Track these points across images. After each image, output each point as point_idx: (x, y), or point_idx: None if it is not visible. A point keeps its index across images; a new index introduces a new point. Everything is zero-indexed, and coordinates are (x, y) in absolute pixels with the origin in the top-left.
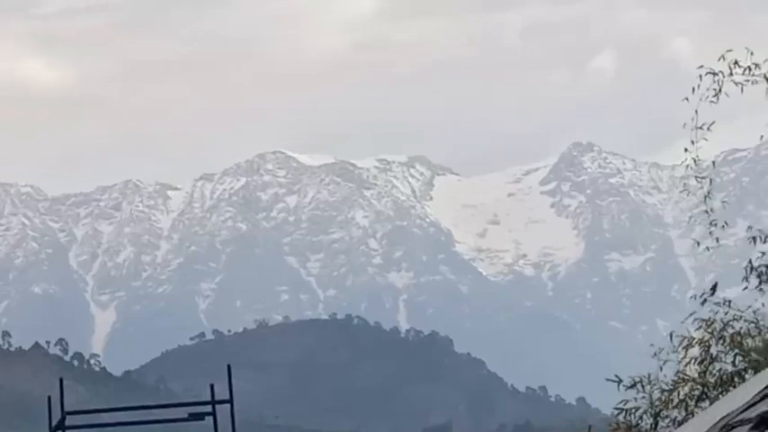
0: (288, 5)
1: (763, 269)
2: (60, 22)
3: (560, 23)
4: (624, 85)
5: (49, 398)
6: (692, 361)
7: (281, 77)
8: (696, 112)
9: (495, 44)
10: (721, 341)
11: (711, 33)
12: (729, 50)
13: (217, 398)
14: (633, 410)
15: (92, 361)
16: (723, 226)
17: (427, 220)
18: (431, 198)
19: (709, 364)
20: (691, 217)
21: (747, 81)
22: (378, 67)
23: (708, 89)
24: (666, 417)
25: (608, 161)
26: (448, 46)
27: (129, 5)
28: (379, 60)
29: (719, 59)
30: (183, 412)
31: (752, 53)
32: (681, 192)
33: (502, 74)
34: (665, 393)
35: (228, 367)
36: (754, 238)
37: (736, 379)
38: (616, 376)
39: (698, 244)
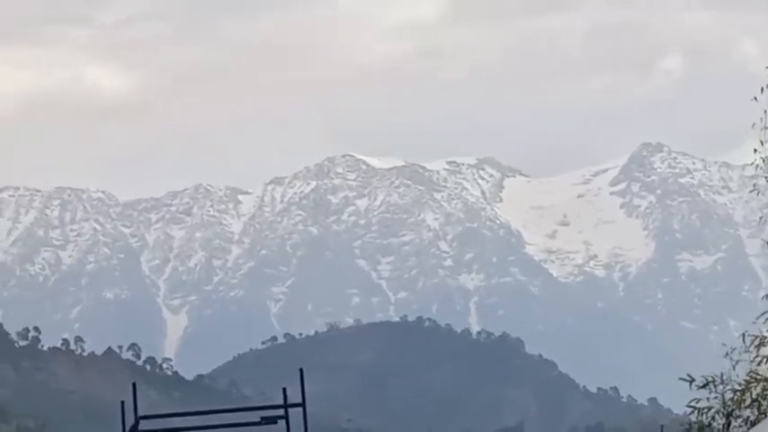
0: (347, 9)
1: None
2: (123, 29)
3: (621, 25)
4: (691, 86)
5: (123, 402)
6: (765, 360)
7: (347, 82)
8: (765, 111)
9: (559, 46)
10: None
11: None
12: None
13: (289, 401)
14: (705, 410)
15: (164, 365)
16: None
17: (497, 221)
18: (500, 200)
19: None
20: (761, 217)
21: None
22: (441, 70)
23: None
24: (739, 416)
25: (678, 161)
26: (512, 49)
27: (184, 13)
28: (441, 64)
29: None
30: (255, 416)
31: None
32: (750, 192)
33: (567, 76)
34: (738, 393)
35: (301, 371)
36: None
37: None
38: (688, 376)
39: None
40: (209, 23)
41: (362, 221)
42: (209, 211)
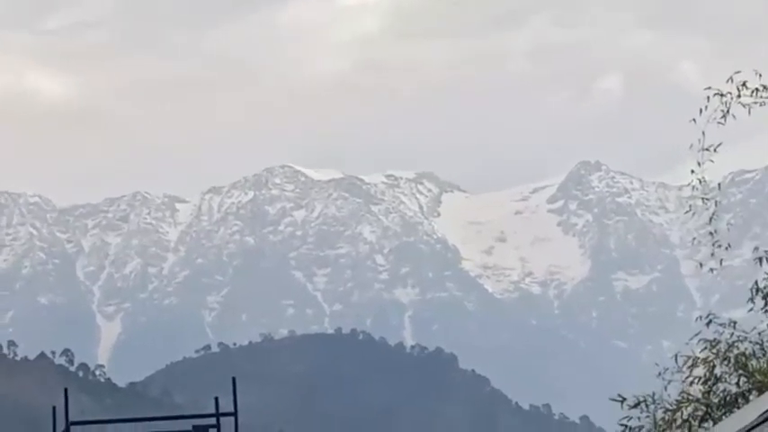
0: (292, 23)
1: None
2: (66, 36)
3: (565, 45)
4: (631, 107)
5: (54, 408)
6: (697, 381)
7: (289, 94)
8: (703, 133)
9: (502, 64)
10: (726, 362)
11: (716, 57)
12: (738, 72)
13: (221, 411)
14: (636, 429)
15: (97, 372)
16: (727, 247)
17: (434, 236)
18: (438, 215)
19: (714, 384)
20: (694, 238)
21: (756, 103)
22: (385, 85)
23: (715, 111)
24: None
25: (615, 180)
26: (452, 65)
27: (134, 22)
28: (387, 79)
29: (728, 81)
30: (187, 424)
31: (760, 75)
32: (687, 213)
33: (508, 93)
34: (669, 413)
35: (233, 380)
36: (760, 260)
37: (740, 400)
38: (620, 395)
39: (701, 266)
40: (152, 34)
41: (299, 233)
42: (146, 218)
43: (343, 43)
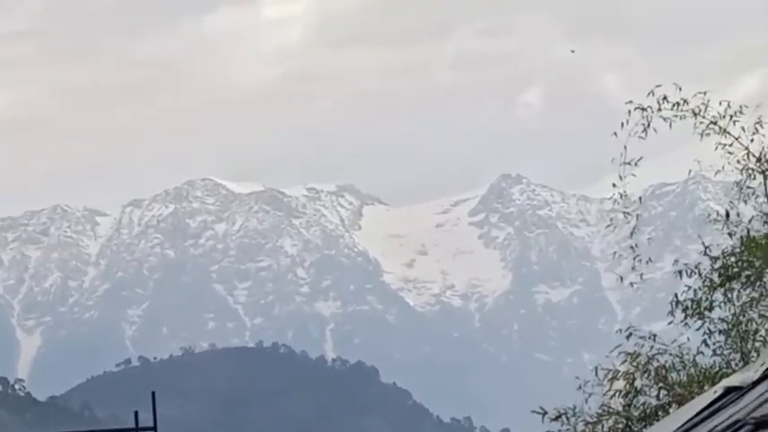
0: (216, 33)
1: (689, 303)
2: None
3: (487, 56)
4: (553, 119)
5: None
6: (617, 394)
7: (209, 104)
8: (625, 147)
9: (424, 75)
10: (646, 375)
11: (640, 70)
12: (658, 86)
13: (141, 425)
14: None
15: (17, 386)
16: (648, 261)
17: (355, 249)
18: (359, 228)
19: (634, 397)
20: (615, 252)
21: (676, 116)
22: (306, 96)
23: (637, 124)
24: None
25: (536, 193)
26: (376, 76)
27: (57, 31)
28: (308, 89)
29: (648, 95)
30: None
31: (680, 89)
32: (608, 226)
33: (430, 105)
34: (590, 426)
35: (153, 394)
36: (680, 272)
37: (659, 413)
38: (541, 408)
39: (621, 279)
40: (80, 43)
41: (220, 246)
42: (66, 231)
43: (264, 54)
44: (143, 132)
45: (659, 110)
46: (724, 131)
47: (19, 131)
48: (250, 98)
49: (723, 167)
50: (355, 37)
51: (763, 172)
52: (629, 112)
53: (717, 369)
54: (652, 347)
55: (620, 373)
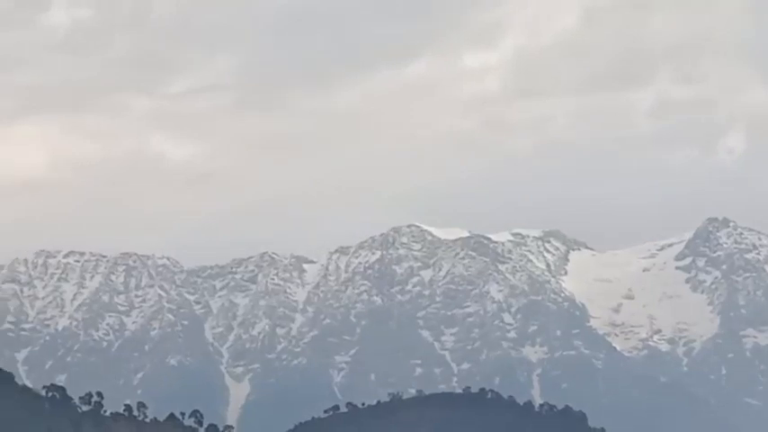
0: (419, 83)
1: None
2: (186, 100)
3: (685, 102)
4: (755, 162)
5: None
6: None
7: (410, 151)
8: None
9: (624, 122)
10: None
11: None
12: None
13: None
14: None
15: None
16: None
17: (562, 294)
18: (565, 272)
19: None
20: None
21: None
22: (508, 142)
23: None
24: None
25: (744, 236)
26: (577, 123)
27: (252, 83)
28: (510, 136)
29: None
30: None
31: None
32: None
33: (632, 150)
34: None
35: None
36: None
37: None
38: None
39: None
40: (276, 94)
41: (427, 292)
42: (273, 279)
43: (464, 102)
44: (348, 179)
45: None
46: None
47: (220, 182)
48: (451, 145)
49: None
50: (552, 85)
51: None
52: None
53: None
54: None
55: None
